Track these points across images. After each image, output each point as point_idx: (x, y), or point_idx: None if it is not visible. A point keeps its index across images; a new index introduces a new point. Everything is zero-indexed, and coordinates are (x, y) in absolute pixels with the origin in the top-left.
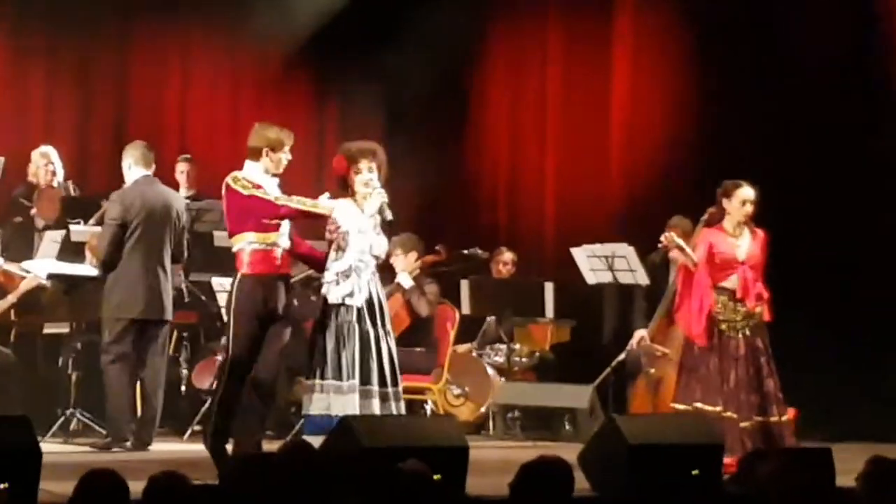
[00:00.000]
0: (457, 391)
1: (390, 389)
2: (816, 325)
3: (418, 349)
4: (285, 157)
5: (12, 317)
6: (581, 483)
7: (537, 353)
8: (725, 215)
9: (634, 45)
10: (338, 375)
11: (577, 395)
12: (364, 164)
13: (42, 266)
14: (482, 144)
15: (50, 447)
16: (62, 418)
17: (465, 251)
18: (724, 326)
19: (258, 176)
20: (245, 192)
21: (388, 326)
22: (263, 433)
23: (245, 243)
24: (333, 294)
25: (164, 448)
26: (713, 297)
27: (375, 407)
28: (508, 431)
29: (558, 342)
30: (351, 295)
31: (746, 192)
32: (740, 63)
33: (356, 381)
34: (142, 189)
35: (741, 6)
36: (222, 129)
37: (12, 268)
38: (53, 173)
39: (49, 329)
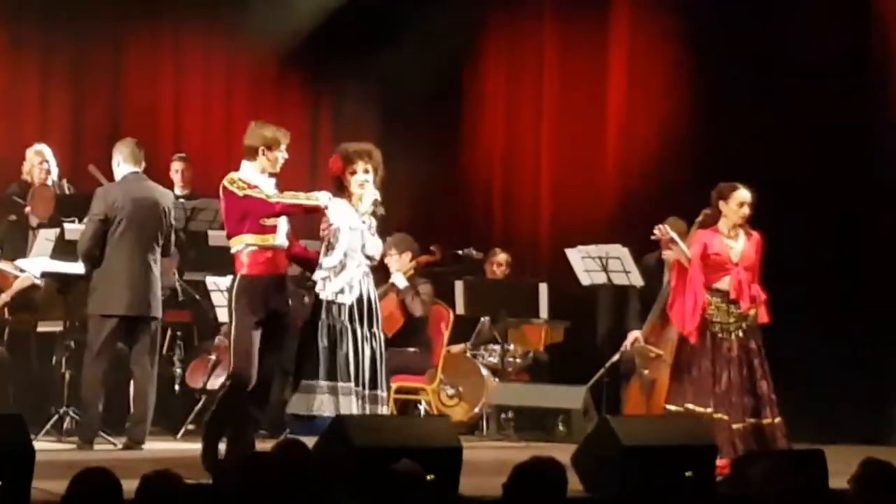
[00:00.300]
0: (451, 391)
1: (367, 392)
2: (810, 327)
3: (412, 349)
4: (282, 155)
5: (6, 315)
6: (574, 484)
7: (531, 354)
8: (721, 217)
9: (631, 46)
10: (331, 376)
11: (571, 396)
12: (360, 166)
13: (36, 264)
14: (477, 145)
15: (43, 445)
16: (55, 417)
17: (460, 252)
18: (716, 328)
19: (254, 175)
20: (240, 193)
21: (377, 328)
22: (257, 432)
23: (243, 245)
24: (326, 291)
25: (158, 447)
26: (706, 296)
27: (355, 406)
28: (502, 432)
29: (552, 343)
30: (342, 292)
31: (743, 194)
32: (736, 65)
33: (351, 383)
34: (128, 185)
35: (738, 9)
36: (217, 128)
37: (6, 267)
38: (48, 172)
39: (43, 327)
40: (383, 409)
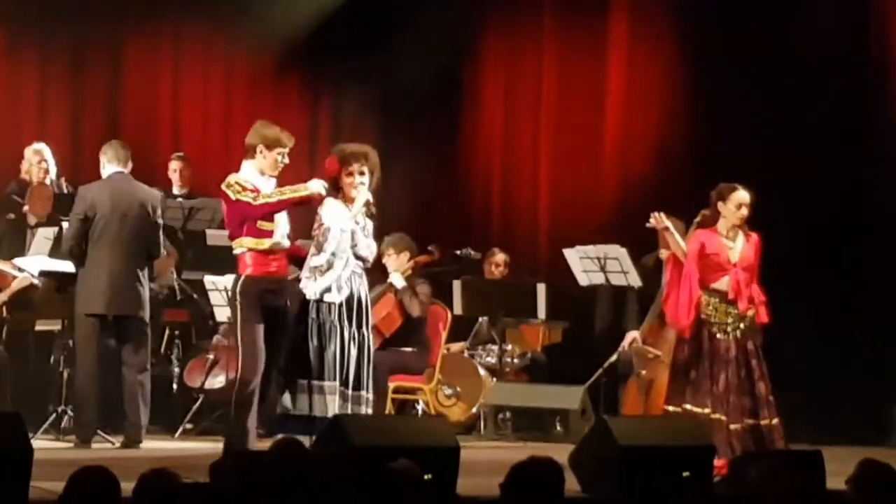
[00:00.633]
0: (448, 391)
1: (350, 392)
2: (809, 328)
3: (410, 349)
4: (280, 157)
5: (4, 314)
6: (572, 484)
7: (529, 354)
8: (719, 218)
9: (630, 47)
10: (320, 376)
11: (569, 396)
12: (355, 167)
13: (34, 263)
14: (476, 145)
15: (41, 444)
16: (53, 415)
17: (458, 252)
18: (714, 329)
19: (253, 176)
20: (233, 197)
21: (366, 329)
22: (255, 431)
23: (244, 248)
24: (310, 290)
25: (156, 446)
26: (703, 295)
27: (338, 407)
28: (499, 432)
29: (550, 343)
30: (329, 290)
31: (742, 195)
32: (735, 66)
33: (336, 382)
34: (111, 185)
35: (737, 10)
36: (216, 128)
37: (4, 266)
38: (46, 171)
39: (41, 326)
40: (367, 411)
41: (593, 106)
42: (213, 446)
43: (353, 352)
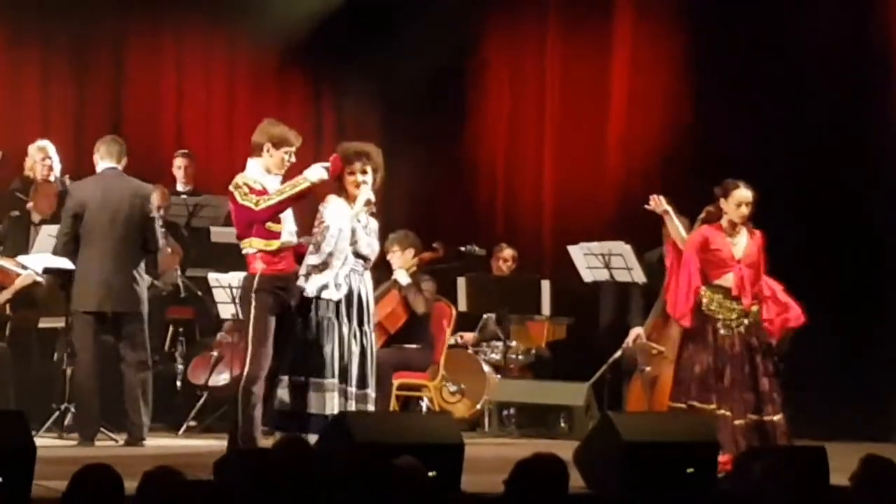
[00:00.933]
0: (453, 388)
1: (355, 390)
2: (811, 325)
3: (415, 346)
4: (287, 156)
5: (7, 311)
6: (576, 480)
7: (533, 351)
8: (723, 214)
9: (633, 43)
10: (318, 373)
11: (573, 393)
12: (357, 166)
13: (38, 261)
14: (480, 142)
15: (44, 442)
16: (57, 413)
17: (463, 248)
18: (719, 325)
19: (260, 174)
20: (241, 201)
21: (368, 327)
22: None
23: (254, 249)
24: (308, 287)
25: (159, 443)
26: (700, 280)
27: (338, 404)
28: (504, 428)
29: (554, 340)
30: (327, 288)
31: (743, 194)
32: (738, 64)
33: (335, 379)
34: (102, 181)
35: (739, 9)
36: (218, 125)
37: (8, 263)
38: (50, 168)
39: (44, 324)
40: (371, 409)
41: (597, 103)
42: (216, 443)
43: (356, 350)
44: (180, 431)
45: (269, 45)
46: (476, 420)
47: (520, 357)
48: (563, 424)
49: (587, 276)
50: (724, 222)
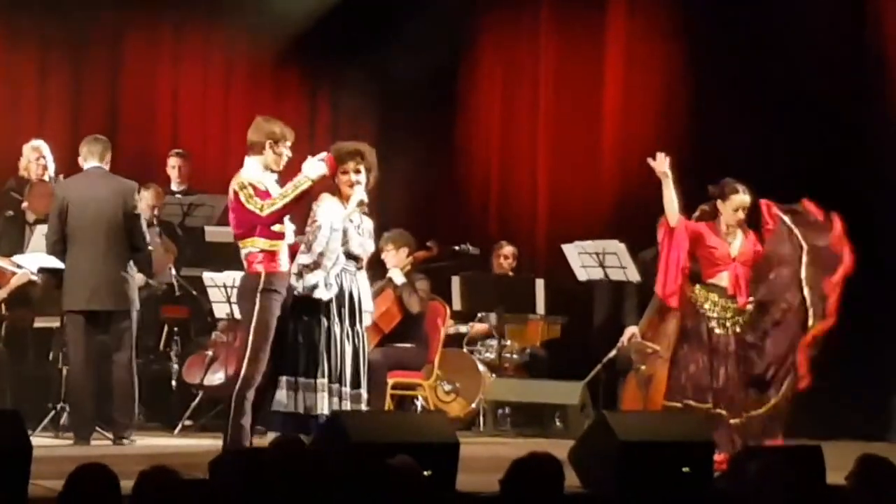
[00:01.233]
0: (447, 387)
1: (349, 390)
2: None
3: (409, 345)
4: (286, 152)
5: (2, 311)
6: (571, 479)
7: (528, 350)
8: (718, 214)
9: (627, 43)
10: (307, 372)
11: (568, 392)
12: (350, 165)
13: (33, 260)
14: (474, 140)
15: (40, 441)
16: (52, 412)
17: (457, 247)
18: (714, 323)
19: (260, 173)
20: (248, 206)
21: (360, 327)
22: (254, 428)
23: (257, 249)
24: (299, 286)
25: (155, 443)
26: (688, 261)
27: (328, 403)
28: (499, 428)
29: (549, 339)
30: (317, 287)
31: (741, 198)
32: (734, 63)
33: (325, 379)
34: (86, 180)
35: (736, 8)
36: (214, 124)
37: (3, 263)
38: (45, 167)
39: (39, 323)
40: (364, 409)
41: (591, 101)
42: (212, 443)
43: (348, 349)
44: (175, 431)
45: (266, 43)
46: (471, 419)
47: (514, 356)
48: (558, 423)
49: (581, 275)
50: (719, 222)
